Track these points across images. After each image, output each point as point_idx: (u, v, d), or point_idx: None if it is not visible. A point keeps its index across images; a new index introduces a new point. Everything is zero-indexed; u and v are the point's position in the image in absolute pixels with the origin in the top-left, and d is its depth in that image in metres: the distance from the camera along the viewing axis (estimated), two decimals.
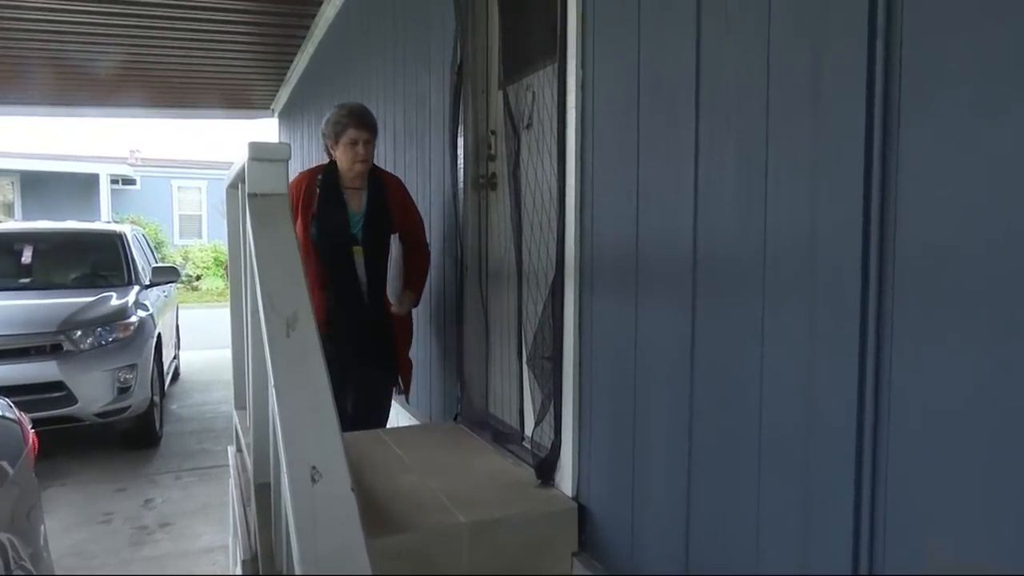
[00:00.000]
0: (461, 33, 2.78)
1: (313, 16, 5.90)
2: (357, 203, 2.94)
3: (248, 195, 1.60)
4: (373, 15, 4.45)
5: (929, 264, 1.02)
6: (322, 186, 2.91)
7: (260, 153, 1.57)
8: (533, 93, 2.42)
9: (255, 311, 1.66)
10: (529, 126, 2.45)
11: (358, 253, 2.90)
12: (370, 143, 2.90)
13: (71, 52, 6.66)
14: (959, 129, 0.98)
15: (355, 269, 2.90)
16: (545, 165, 2.29)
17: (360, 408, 3.01)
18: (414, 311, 3.14)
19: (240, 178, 1.93)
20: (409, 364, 3.14)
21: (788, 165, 1.27)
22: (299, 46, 6.79)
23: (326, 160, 2.99)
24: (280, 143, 1.68)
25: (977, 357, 0.96)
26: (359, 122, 2.87)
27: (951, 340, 0.99)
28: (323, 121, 2.96)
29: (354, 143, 2.85)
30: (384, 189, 2.98)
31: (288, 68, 7.68)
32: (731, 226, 1.41)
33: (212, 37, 6.38)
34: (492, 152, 2.73)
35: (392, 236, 3.00)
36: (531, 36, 2.43)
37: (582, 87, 1.95)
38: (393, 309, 2.99)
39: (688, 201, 1.52)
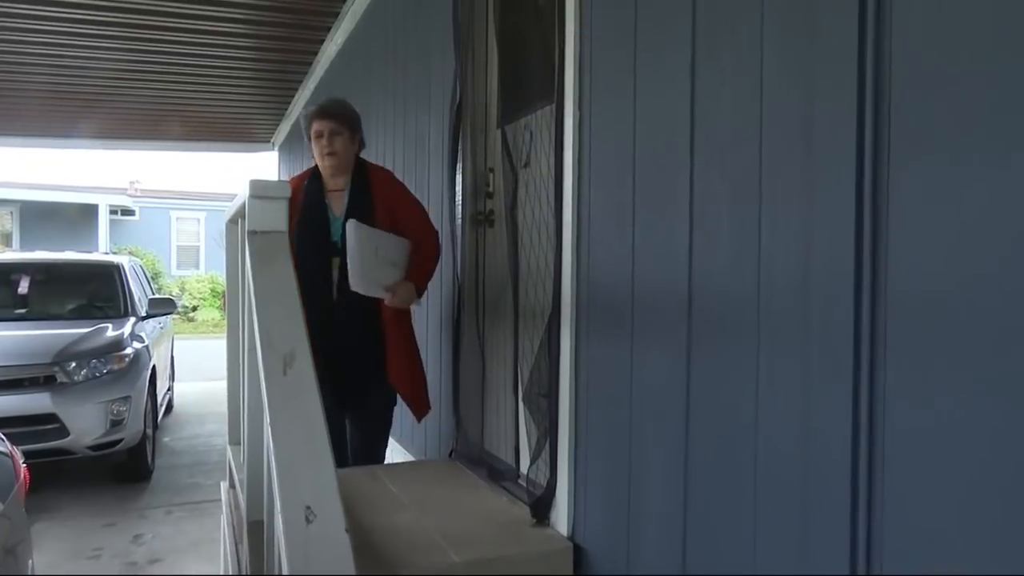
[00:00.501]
0: (461, 73, 2.82)
1: (315, 54, 5.99)
2: (338, 206, 2.70)
3: (248, 232, 1.62)
4: (374, 54, 4.52)
5: (919, 307, 1.04)
6: (305, 191, 2.72)
7: (261, 191, 1.60)
8: (531, 133, 2.46)
9: (252, 347, 1.67)
10: (527, 165, 2.48)
11: (335, 265, 2.63)
12: (339, 134, 2.68)
13: (73, 86, 6.74)
14: (947, 180, 1.00)
15: (329, 283, 2.63)
16: (542, 203, 2.31)
17: (356, 437, 2.84)
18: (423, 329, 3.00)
19: (240, 214, 1.95)
20: (411, 379, 2.78)
21: (781, 209, 1.29)
22: (300, 82, 6.89)
23: None
24: (280, 181, 1.71)
25: (967, 390, 0.97)
26: (320, 112, 2.71)
27: (941, 378, 1.00)
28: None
29: (319, 136, 2.68)
30: (369, 188, 2.72)
31: (289, 103, 7.78)
32: (725, 268, 1.42)
33: (215, 73, 6.48)
34: (490, 190, 2.76)
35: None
36: (529, 77, 2.48)
37: (579, 128, 1.98)
38: (386, 301, 2.63)
39: (683, 242, 1.54)
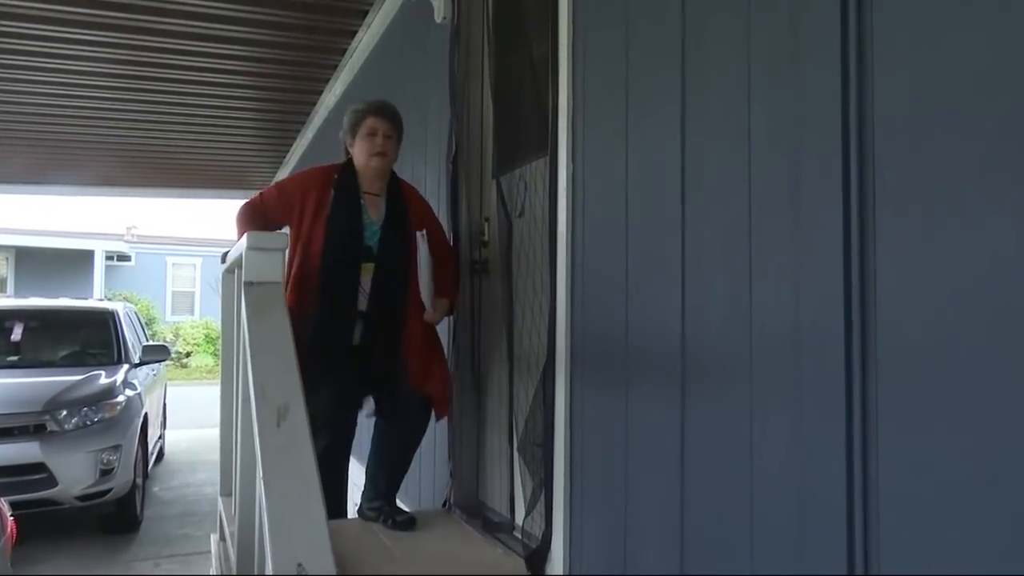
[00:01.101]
0: (457, 124, 2.88)
1: (314, 104, 6.09)
2: (375, 211, 2.55)
3: (245, 283, 1.63)
4: None
5: (908, 358, 1.05)
6: (337, 188, 2.52)
7: (258, 243, 1.61)
8: (525, 183, 2.50)
9: (246, 397, 1.66)
10: (522, 214, 2.51)
11: (367, 271, 2.48)
12: (391, 137, 2.56)
13: (71, 133, 6.81)
14: (931, 235, 1.02)
15: (356, 291, 2.47)
16: (536, 253, 2.33)
17: (390, 436, 2.65)
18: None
19: (237, 264, 1.97)
20: (435, 377, 2.58)
21: (771, 261, 1.31)
22: (299, 131, 6.98)
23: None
24: (278, 234, 1.73)
25: (958, 441, 0.97)
26: (378, 110, 2.56)
27: (933, 425, 1.00)
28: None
29: (372, 133, 2.52)
30: (404, 199, 2.62)
31: (287, 151, 7.87)
32: (718, 317, 1.44)
33: (214, 122, 6.56)
34: (485, 239, 2.79)
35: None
36: (524, 129, 2.53)
37: (572, 180, 2.01)
38: (426, 317, 2.55)
39: (676, 292, 1.56)
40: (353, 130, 2.56)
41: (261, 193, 2.65)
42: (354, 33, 4.62)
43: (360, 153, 2.53)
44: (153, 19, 4.32)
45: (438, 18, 3.10)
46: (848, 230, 1.15)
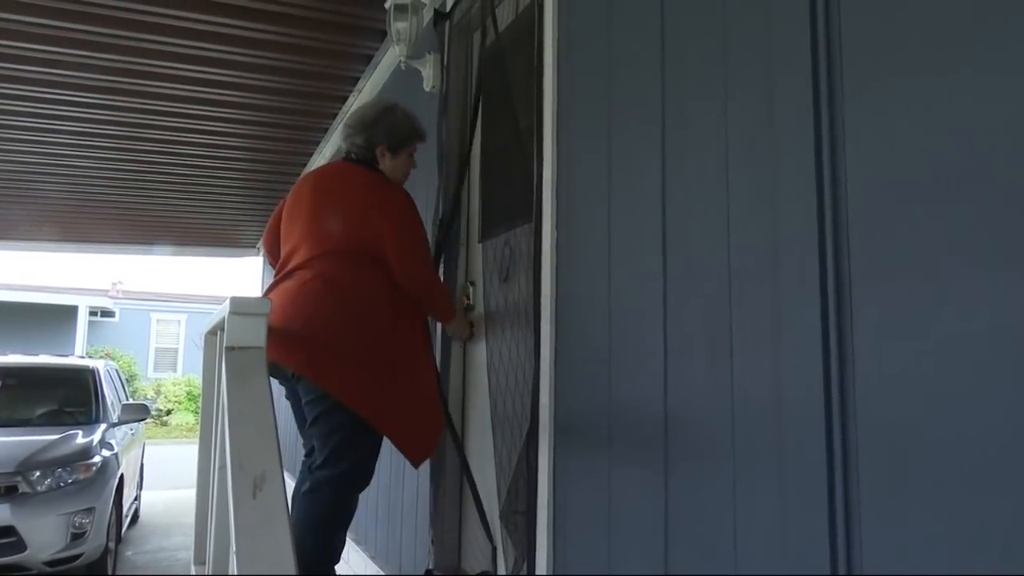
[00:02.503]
0: (443, 189, 2.92)
1: (303, 165, 6.17)
2: None
3: (226, 347, 1.62)
4: None
5: (888, 434, 1.05)
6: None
7: (240, 308, 1.61)
8: (511, 248, 2.52)
9: (223, 465, 1.64)
10: (507, 279, 2.53)
11: None
12: None
13: (61, 194, 6.83)
14: (906, 311, 1.04)
15: None
16: (521, 318, 2.34)
17: None
18: None
19: (219, 326, 1.96)
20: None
21: (751, 333, 1.32)
22: (287, 192, 7.04)
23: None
24: (261, 299, 1.73)
25: (939, 519, 0.97)
26: (423, 138, 2.49)
27: (916, 504, 1.00)
28: (375, 118, 2.39)
29: (412, 155, 2.45)
30: None
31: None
32: (700, 389, 1.44)
33: (204, 183, 6.61)
34: (470, 303, 2.80)
35: None
36: (510, 195, 2.57)
37: (556, 247, 2.04)
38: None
39: (658, 363, 1.56)
40: (402, 143, 2.39)
41: (423, 234, 2.36)
42: (345, 98, 4.73)
43: (399, 170, 2.41)
44: (147, 83, 4.40)
45: (427, 87, 3.18)
46: (825, 306, 1.17)
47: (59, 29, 3.73)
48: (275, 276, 2.34)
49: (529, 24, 2.34)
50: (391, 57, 3.83)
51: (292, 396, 2.31)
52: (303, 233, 2.30)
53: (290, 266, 2.27)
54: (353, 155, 2.40)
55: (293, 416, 2.40)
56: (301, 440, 2.37)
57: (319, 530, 2.09)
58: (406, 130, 2.40)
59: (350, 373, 2.10)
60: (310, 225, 2.29)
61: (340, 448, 2.10)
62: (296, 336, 2.11)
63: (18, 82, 4.37)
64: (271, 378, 2.09)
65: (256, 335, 1.61)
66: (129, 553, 6.14)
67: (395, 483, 3.31)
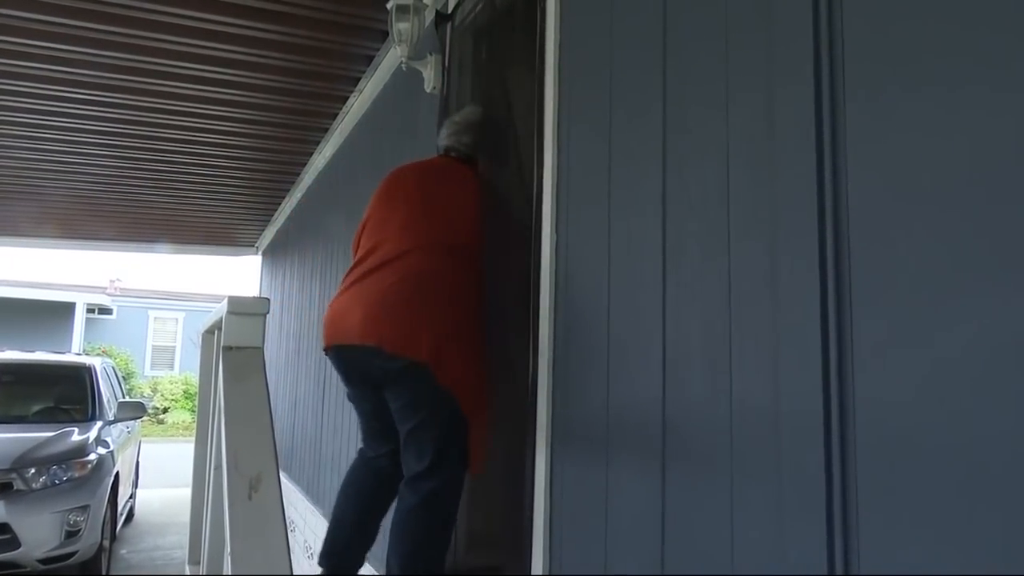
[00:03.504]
0: None
1: (304, 165, 6.17)
2: None
3: (223, 347, 1.62)
4: (359, 170, 4.67)
5: (887, 445, 1.05)
6: None
7: (238, 308, 1.61)
8: None
9: (218, 465, 1.63)
10: None
11: None
12: None
13: (61, 190, 6.83)
14: (907, 325, 1.04)
15: None
16: (519, 323, 2.34)
17: None
18: None
19: (217, 325, 1.95)
20: None
21: (750, 339, 1.31)
22: (288, 191, 7.05)
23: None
24: (259, 298, 1.72)
25: (938, 529, 0.96)
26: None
27: (912, 514, 1.00)
28: (483, 121, 2.49)
29: None
30: None
31: (275, 211, 7.93)
32: (698, 396, 1.43)
33: (204, 181, 6.62)
34: None
35: None
36: (509, 198, 2.56)
37: (556, 251, 2.03)
38: None
39: (657, 369, 1.56)
40: (477, 154, 2.43)
41: None
42: (346, 99, 4.72)
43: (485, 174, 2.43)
44: (147, 81, 4.40)
45: (428, 88, 3.18)
46: (825, 313, 1.16)
47: (60, 26, 3.73)
48: (363, 259, 2.17)
49: (530, 26, 2.34)
50: (392, 58, 3.83)
51: (369, 396, 2.12)
52: (405, 221, 2.20)
53: (389, 254, 2.12)
54: (454, 152, 2.43)
55: (358, 416, 2.25)
56: (360, 442, 2.26)
57: (440, 542, 2.09)
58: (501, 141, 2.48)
59: (469, 369, 2.08)
60: (418, 212, 2.22)
61: (445, 448, 2.00)
62: (419, 324, 2.00)
63: (20, 78, 4.36)
64: (350, 383, 2.07)
65: (254, 335, 1.61)
66: (124, 551, 6.12)
67: None
